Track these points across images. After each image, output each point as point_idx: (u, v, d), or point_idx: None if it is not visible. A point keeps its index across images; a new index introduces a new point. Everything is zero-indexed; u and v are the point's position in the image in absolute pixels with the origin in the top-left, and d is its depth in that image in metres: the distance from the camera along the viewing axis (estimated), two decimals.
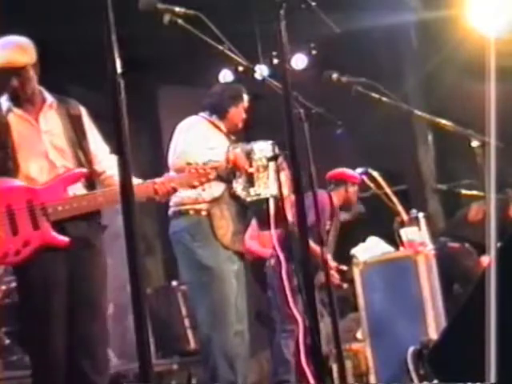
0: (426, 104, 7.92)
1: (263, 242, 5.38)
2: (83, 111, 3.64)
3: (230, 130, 4.54)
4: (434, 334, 4.82)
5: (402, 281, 5.18)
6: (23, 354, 5.59)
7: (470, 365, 1.93)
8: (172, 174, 3.92)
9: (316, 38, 7.86)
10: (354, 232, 5.99)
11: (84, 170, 3.51)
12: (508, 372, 1.82)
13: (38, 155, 3.47)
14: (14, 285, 5.63)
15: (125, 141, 1.87)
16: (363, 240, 5.79)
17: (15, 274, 3.61)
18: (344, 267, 5.55)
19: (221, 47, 2.94)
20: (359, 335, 5.65)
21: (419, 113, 4.06)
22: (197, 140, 4.27)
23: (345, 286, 5.59)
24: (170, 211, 4.42)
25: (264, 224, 4.20)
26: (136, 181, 3.52)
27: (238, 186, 4.16)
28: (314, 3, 2.89)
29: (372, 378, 5.19)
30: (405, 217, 5.51)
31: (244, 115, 4.59)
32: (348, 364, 5.16)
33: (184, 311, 6.95)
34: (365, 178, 5.92)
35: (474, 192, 5.79)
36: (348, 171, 5.92)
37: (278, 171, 3.82)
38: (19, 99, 3.49)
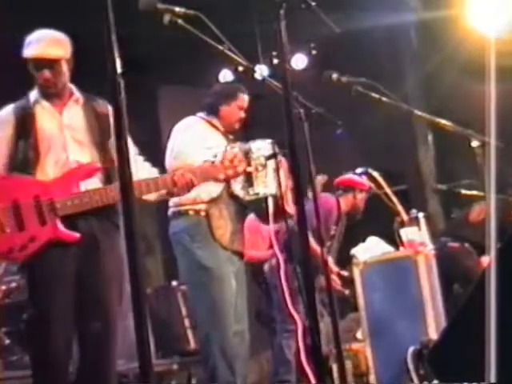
0: (426, 104, 7.93)
1: (256, 243, 5.38)
2: (111, 110, 3.64)
3: (225, 129, 4.51)
4: (434, 334, 4.82)
5: (401, 281, 5.17)
6: (23, 353, 5.59)
7: (470, 365, 1.93)
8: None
9: (316, 37, 7.87)
10: (354, 232, 5.99)
11: (98, 165, 3.49)
12: (508, 372, 1.82)
13: (57, 148, 3.47)
14: (14, 285, 5.64)
15: (125, 141, 1.87)
16: (363, 240, 5.78)
17: (23, 270, 3.59)
18: (345, 273, 5.54)
19: (221, 47, 2.94)
20: (359, 335, 5.65)
21: (419, 113, 4.06)
22: (194, 141, 4.27)
23: (346, 292, 5.58)
24: (170, 212, 4.42)
25: (264, 223, 4.20)
26: (155, 175, 3.53)
27: (237, 185, 4.15)
28: (313, 3, 2.88)
29: (372, 378, 5.18)
30: (405, 217, 5.51)
31: (240, 115, 4.54)
32: (348, 364, 5.14)
33: (184, 311, 6.95)
34: (365, 177, 5.92)
35: (474, 192, 5.78)
36: (357, 178, 5.94)
37: (277, 169, 3.81)
38: (48, 92, 3.50)
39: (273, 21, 2.78)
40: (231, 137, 4.48)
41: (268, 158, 3.90)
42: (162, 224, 4.70)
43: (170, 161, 4.27)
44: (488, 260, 1.98)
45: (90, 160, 3.50)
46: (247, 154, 3.99)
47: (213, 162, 3.61)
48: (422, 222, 5.44)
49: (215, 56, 3.00)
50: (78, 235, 3.38)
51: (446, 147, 7.94)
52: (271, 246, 5.44)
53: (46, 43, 3.45)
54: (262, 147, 3.96)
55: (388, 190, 5.76)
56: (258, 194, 3.98)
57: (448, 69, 7.87)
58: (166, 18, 2.82)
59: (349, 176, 5.96)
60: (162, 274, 8.73)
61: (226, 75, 8.54)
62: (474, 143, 3.70)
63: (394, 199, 5.69)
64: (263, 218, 4.13)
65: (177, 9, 2.83)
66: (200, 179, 3.53)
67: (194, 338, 6.69)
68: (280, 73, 2.80)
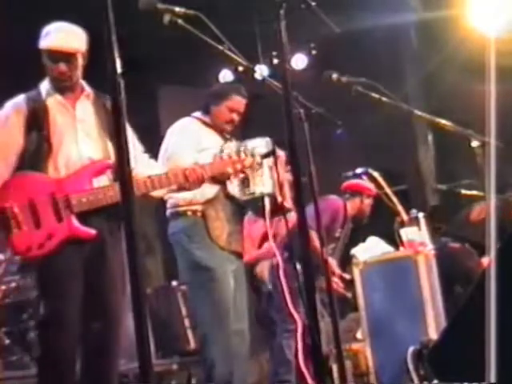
0: (426, 104, 7.92)
1: (252, 242, 5.38)
2: None
3: (216, 129, 4.46)
4: (434, 334, 4.82)
5: (401, 281, 5.18)
6: (23, 353, 5.60)
7: (470, 365, 1.93)
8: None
9: (316, 37, 7.87)
10: (354, 232, 5.99)
11: (110, 161, 3.45)
12: (508, 372, 1.82)
13: (69, 142, 3.44)
14: (13, 285, 5.64)
15: (125, 140, 1.87)
16: (363, 240, 5.79)
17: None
18: (347, 276, 5.53)
19: (221, 47, 2.94)
20: (359, 335, 5.65)
21: (419, 113, 4.05)
22: (188, 142, 4.26)
23: (348, 295, 5.58)
24: (168, 213, 4.41)
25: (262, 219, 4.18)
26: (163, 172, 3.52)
27: (233, 185, 4.14)
28: (313, 3, 2.89)
29: (372, 378, 5.18)
30: (405, 217, 5.51)
31: (230, 116, 4.44)
32: (348, 364, 5.14)
33: (184, 311, 6.95)
34: (365, 177, 5.92)
35: (474, 192, 5.78)
36: (364, 183, 5.93)
37: (275, 167, 3.80)
38: (62, 85, 3.47)
39: (273, 21, 2.78)
40: (228, 136, 4.46)
41: (264, 156, 3.89)
42: (161, 224, 4.70)
43: (162, 161, 4.25)
44: (488, 260, 1.98)
45: (101, 156, 3.47)
46: (240, 153, 3.96)
47: (221, 157, 3.62)
48: (422, 222, 5.44)
49: (215, 56, 3.00)
50: (94, 232, 3.35)
51: (446, 147, 7.94)
52: (260, 246, 5.46)
53: (65, 34, 3.42)
54: (257, 145, 3.94)
55: (388, 190, 5.77)
56: (253, 193, 3.97)
57: (448, 69, 7.87)
58: (166, 17, 2.82)
59: (357, 181, 5.96)
60: (162, 274, 8.73)
61: (225, 75, 8.54)
62: (474, 143, 3.70)
63: (394, 199, 5.69)
64: (261, 216, 4.12)
65: (177, 9, 2.83)
66: (210, 174, 3.56)
67: (194, 338, 6.69)
68: (280, 73, 2.81)
